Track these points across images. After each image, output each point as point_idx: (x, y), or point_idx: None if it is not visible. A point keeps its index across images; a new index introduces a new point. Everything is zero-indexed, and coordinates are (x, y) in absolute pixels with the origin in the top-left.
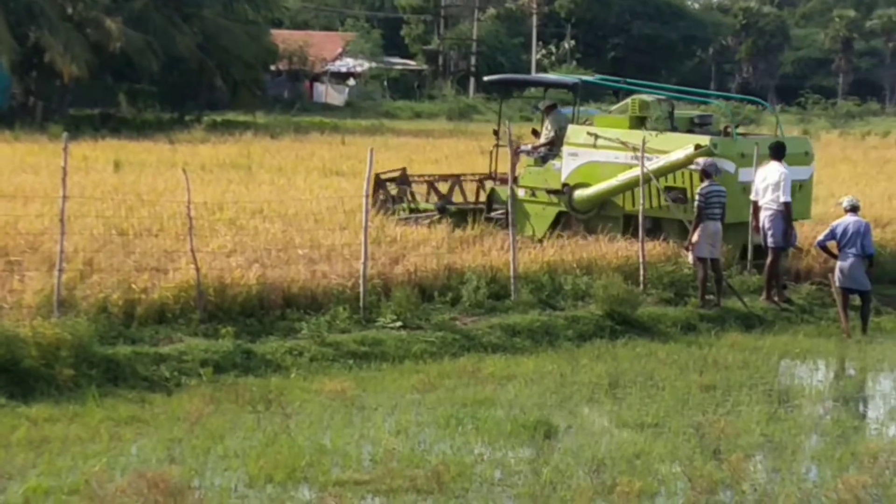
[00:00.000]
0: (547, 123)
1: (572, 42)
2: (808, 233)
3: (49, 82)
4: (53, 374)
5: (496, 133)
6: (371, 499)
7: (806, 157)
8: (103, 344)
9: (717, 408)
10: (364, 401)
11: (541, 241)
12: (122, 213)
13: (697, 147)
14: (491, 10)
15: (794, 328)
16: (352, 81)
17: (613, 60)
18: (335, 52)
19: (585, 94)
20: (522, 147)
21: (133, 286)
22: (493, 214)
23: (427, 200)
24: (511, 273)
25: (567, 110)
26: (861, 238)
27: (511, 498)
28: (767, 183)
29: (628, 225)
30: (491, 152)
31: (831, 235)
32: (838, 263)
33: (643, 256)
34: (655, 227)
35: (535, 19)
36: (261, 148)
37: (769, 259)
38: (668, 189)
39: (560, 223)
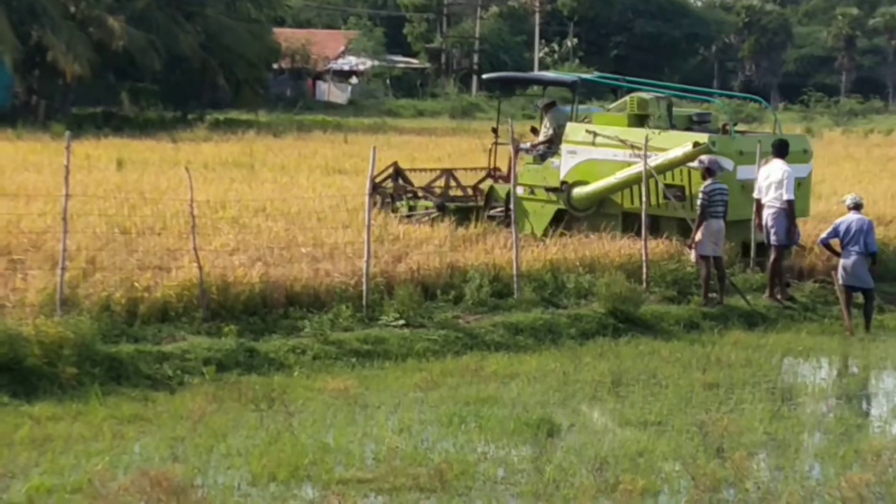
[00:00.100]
0: (546, 121)
1: (575, 40)
2: (811, 231)
3: (52, 81)
4: (56, 373)
5: (495, 131)
6: (374, 497)
7: (805, 155)
8: (106, 342)
9: (721, 406)
10: (367, 399)
11: (544, 239)
12: (125, 211)
13: (696, 145)
14: (493, 9)
15: (798, 326)
16: (354, 80)
17: (616, 58)
18: (338, 50)
19: (588, 92)
20: (521, 145)
21: (136, 284)
22: (491, 212)
23: (425, 196)
24: (514, 271)
25: (568, 108)
26: (864, 236)
27: (514, 496)
28: (770, 181)
29: (627, 223)
30: (490, 150)
31: (834, 233)
32: (841, 261)
33: (646, 254)
34: (654, 226)
35: (537, 17)
36: (263, 146)
37: (772, 257)
38: (668, 187)
39: (563, 221)
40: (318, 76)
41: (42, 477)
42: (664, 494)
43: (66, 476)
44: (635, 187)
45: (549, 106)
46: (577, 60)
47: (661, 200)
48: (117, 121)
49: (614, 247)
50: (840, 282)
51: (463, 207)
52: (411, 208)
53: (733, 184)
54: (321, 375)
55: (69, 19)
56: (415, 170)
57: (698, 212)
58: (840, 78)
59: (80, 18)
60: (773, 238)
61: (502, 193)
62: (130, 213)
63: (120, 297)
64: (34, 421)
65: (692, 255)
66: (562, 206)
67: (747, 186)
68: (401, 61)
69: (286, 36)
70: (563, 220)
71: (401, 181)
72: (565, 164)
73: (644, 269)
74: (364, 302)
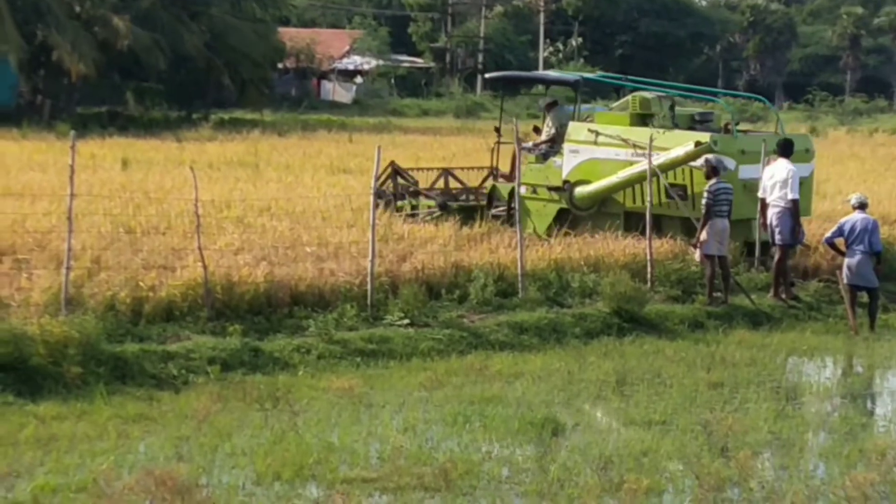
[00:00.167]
0: (548, 120)
1: (580, 39)
2: (815, 230)
3: (56, 80)
4: (61, 372)
5: (497, 130)
6: (379, 496)
7: (807, 154)
8: (111, 342)
9: (725, 405)
10: (372, 398)
11: (548, 238)
12: (130, 211)
13: (698, 144)
14: (498, 8)
15: (802, 325)
16: (359, 79)
17: (621, 58)
18: (342, 49)
19: (593, 91)
20: (524, 144)
21: (141, 284)
22: (493, 211)
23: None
24: (518, 270)
25: (570, 108)
26: (869, 235)
27: (518, 495)
28: (775, 180)
29: (628, 222)
30: (492, 149)
31: (839, 232)
32: (846, 260)
33: (650, 254)
34: (656, 225)
35: (542, 17)
36: (268, 146)
37: (777, 256)
38: (670, 186)
39: (567, 221)
40: (323, 76)
41: (47, 476)
42: (668, 494)
43: (71, 475)
44: (637, 186)
45: (552, 105)
46: (581, 60)
47: (663, 200)
48: (122, 120)
49: (619, 246)
50: (845, 281)
51: (465, 206)
52: (414, 207)
53: (735, 183)
54: (326, 375)
55: (74, 19)
56: (413, 169)
57: (703, 211)
58: (845, 77)
59: (85, 18)
60: (777, 237)
61: (504, 193)
62: (135, 212)
63: (125, 296)
64: (39, 420)
65: (696, 255)
66: (564, 205)
67: (749, 186)
68: (405, 61)
69: (291, 35)
70: (567, 220)
71: (400, 179)
72: (567, 163)
73: (648, 269)
74: (369, 301)
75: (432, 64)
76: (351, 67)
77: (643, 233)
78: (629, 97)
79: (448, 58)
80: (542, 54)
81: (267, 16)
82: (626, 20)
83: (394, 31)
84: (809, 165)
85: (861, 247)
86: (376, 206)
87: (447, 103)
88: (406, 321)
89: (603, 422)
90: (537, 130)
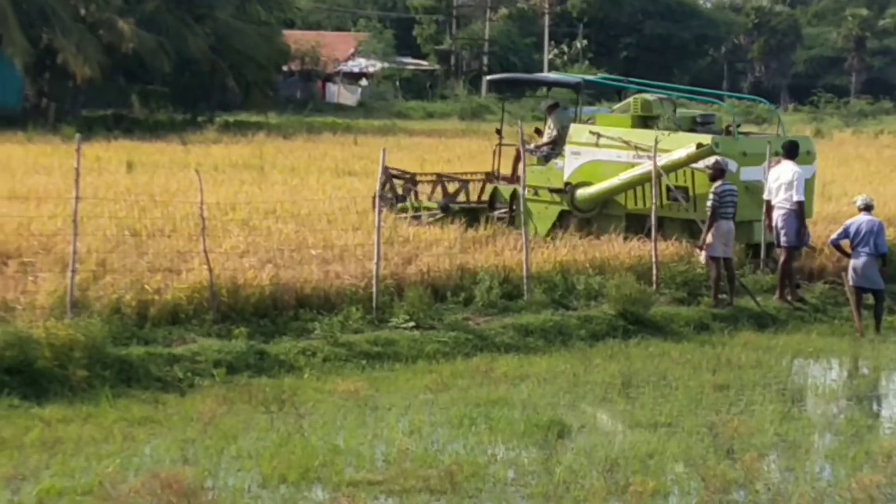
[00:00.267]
0: (549, 122)
1: (584, 42)
2: (821, 232)
3: (62, 83)
4: (67, 375)
5: (499, 132)
6: (384, 499)
7: (808, 157)
8: (116, 345)
9: (731, 407)
10: (377, 401)
11: (553, 240)
12: (135, 213)
13: (699, 146)
14: (503, 10)
15: (808, 327)
16: (364, 82)
17: (626, 60)
18: (347, 52)
19: (598, 93)
20: (526, 146)
21: (146, 287)
22: (495, 213)
23: (430, 199)
24: (524, 273)
25: (572, 109)
26: (874, 237)
27: (524, 498)
28: (780, 182)
29: (630, 224)
30: (494, 151)
31: (844, 234)
32: (851, 262)
33: (656, 256)
34: (658, 226)
35: (546, 19)
36: (273, 148)
37: (782, 258)
38: (671, 188)
39: (571, 223)
40: (328, 78)
41: (53, 479)
42: (674, 496)
43: (77, 478)
44: (639, 188)
45: (553, 107)
46: (586, 62)
47: (664, 202)
48: (127, 123)
49: (624, 248)
50: (850, 283)
51: (466, 209)
52: (416, 209)
53: (737, 185)
54: (331, 377)
55: (79, 22)
56: (408, 173)
57: (709, 213)
58: (850, 79)
59: (91, 21)
60: (783, 239)
61: (506, 195)
62: (140, 215)
63: (130, 299)
64: (45, 423)
65: (702, 257)
66: (565, 207)
67: (751, 187)
68: (410, 63)
69: (296, 38)
70: (571, 222)
71: (397, 181)
72: (569, 165)
73: (654, 271)
74: (374, 304)
75: (437, 66)
76: (356, 70)
77: (648, 234)
78: (630, 99)
79: (453, 60)
80: (546, 56)
81: (272, 18)
82: (631, 22)
83: (398, 33)
84: (811, 167)
85: (866, 249)
86: (381, 209)
87: (452, 105)
88: (411, 324)
89: (608, 424)
90: (538, 132)
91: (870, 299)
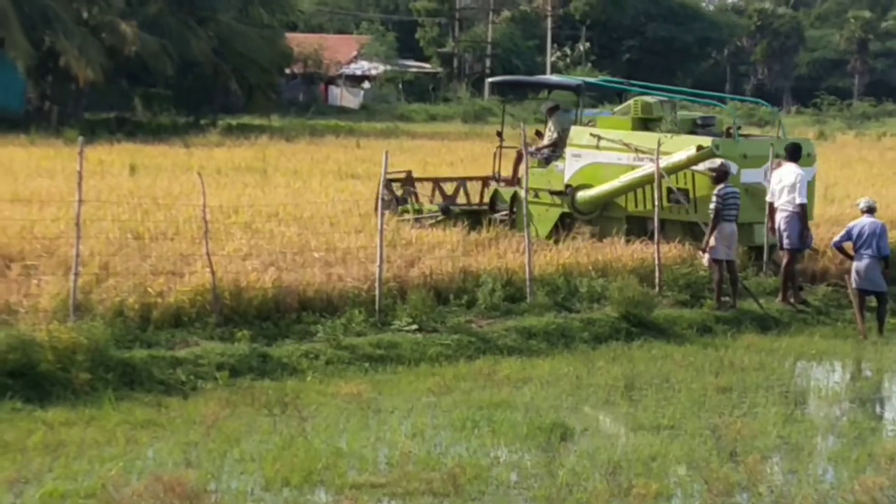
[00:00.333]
0: (549, 125)
1: (587, 44)
2: (823, 234)
3: (64, 86)
4: (70, 378)
5: (499, 134)
6: (387, 502)
7: (808, 159)
8: (119, 348)
9: (734, 409)
10: (380, 404)
11: (556, 241)
12: (138, 216)
13: (700, 148)
14: (505, 13)
15: (811, 330)
16: (367, 84)
17: (628, 62)
18: (350, 55)
19: (601, 96)
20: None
21: (149, 290)
22: (495, 215)
23: (431, 201)
24: (526, 275)
25: (572, 112)
26: (877, 239)
27: (527, 500)
28: (783, 184)
29: (631, 226)
30: (494, 154)
31: (847, 236)
32: (854, 264)
33: (658, 258)
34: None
35: (549, 21)
36: (276, 151)
37: (785, 260)
38: (671, 190)
39: (574, 226)
40: (331, 81)
41: (56, 482)
42: (677, 498)
43: (80, 481)
44: (640, 190)
45: (553, 109)
46: (589, 64)
47: (665, 204)
48: (130, 126)
49: (627, 251)
50: (853, 285)
51: (467, 211)
52: (417, 211)
53: (738, 187)
54: (334, 380)
55: (82, 25)
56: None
57: (712, 215)
58: (853, 81)
59: (93, 24)
60: (785, 241)
61: (506, 196)
62: (143, 218)
63: (133, 302)
64: (48, 426)
65: (705, 259)
66: (566, 209)
67: (751, 190)
68: (413, 66)
69: (298, 41)
70: (573, 224)
71: (395, 185)
72: (569, 167)
73: (657, 273)
74: (377, 307)
75: (440, 69)
76: (358, 73)
77: (651, 237)
78: (630, 101)
79: (455, 63)
80: (549, 59)
81: (274, 21)
82: (634, 25)
83: (401, 36)
84: (812, 170)
85: (869, 251)
86: (383, 212)
87: (455, 108)
88: (414, 326)
89: (611, 427)
90: (539, 135)
91: (873, 301)
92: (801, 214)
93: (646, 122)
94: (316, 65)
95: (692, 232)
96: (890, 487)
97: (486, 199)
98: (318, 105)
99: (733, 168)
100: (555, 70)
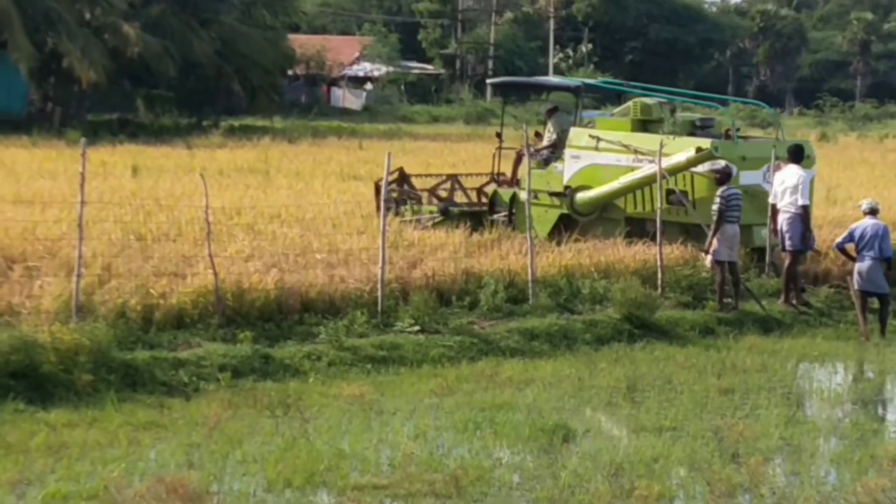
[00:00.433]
0: (549, 126)
1: (590, 46)
2: (826, 235)
3: (67, 88)
4: (72, 380)
5: (499, 136)
6: (389, 503)
7: (808, 161)
8: (122, 349)
9: (736, 411)
10: (382, 405)
11: (558, 242)
12: (140, 218)
13: (699, 150)
14: (508, 14)
15: (813, 331)
16: (369, 86)
17: (631, 64)
18: (352, 56)
19: (602, 97)
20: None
21: (151, 291)
22: (495, 216)
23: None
24: (529, 277)
25: (573, 113)
26: (879, 241)
27: (529, 502)
28: (786, 186)
29: (630, 227)
30: (494, 154)
31: (849, 238)
32: (856, 266)
33: (661, 260)
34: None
35: (552, 23)
36: (278, 152)
37: (787, 262)
38: (671, 192)
39: (576, 227)
40: (333, 82)
41: (58, 483)
42: (679, 500)
43: (82, 483)
44: (639, 192)
45: (553, 111)
46: (591, 66)
47: (664, 205)
48: (132, 127)
49: (629, 252)
50: (855, 287)
51: (466, 212)
52: (416, 212)
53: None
54: (336, 382)
55: (84, 26)
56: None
57: (715, 217)
58: (855, 83)
59: (96, 25)
60: (788, 243)
61: (505, 198)
62: (146, 219)
63: (135, 303)
64: (50, 428)
65: (707, 261)
66: (565, 210)
67: (751, 192)
68: (415, 67)
69: (301, 42)
70: (573, 226)
71: (406, 186)
72: (569, 168)
73: (659, 275)
74: (379, 308)
75: (442, 70)
76: (361, 74)
77: (653, 239)
78: (630, 103)
79: (458, 64)
80: (551, 60)
81: (277, 22)
82: (636, 26)
83: (404, 37)
84: (811, 171)
85: (871, 252)
86: (386, 212)
87: (457, 110)
88: (416, 328)
89: (613, 428)
90: (538, 136)
91: (875, 303)
92: (804, 216)
93: (645, 124)
94: (318, 66)
95: (691, 233)
96: (892, 489)
97: (478, 198)
98: (321, 106)
99: (732, 170)
100: (557, 71)
